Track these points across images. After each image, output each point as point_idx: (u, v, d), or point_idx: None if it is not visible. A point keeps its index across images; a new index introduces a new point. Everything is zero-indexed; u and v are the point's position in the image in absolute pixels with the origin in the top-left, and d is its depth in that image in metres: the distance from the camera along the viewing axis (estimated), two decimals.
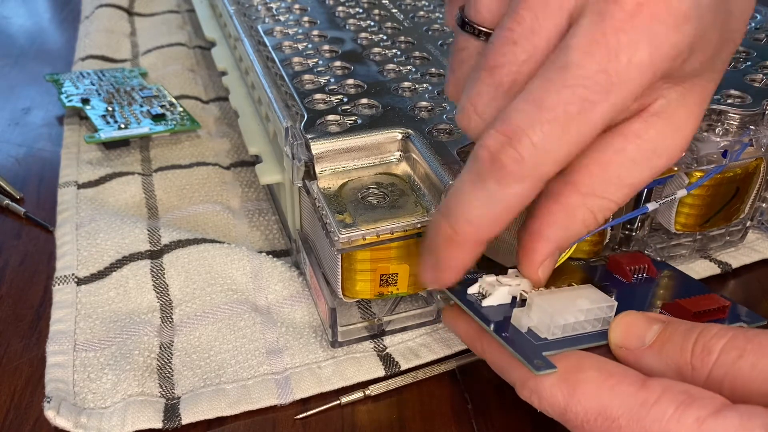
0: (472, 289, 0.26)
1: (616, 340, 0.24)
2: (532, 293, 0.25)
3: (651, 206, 0.29)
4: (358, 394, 0.28)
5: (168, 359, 0.30)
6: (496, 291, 0.25)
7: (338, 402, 0.28)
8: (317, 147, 0.29)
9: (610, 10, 0.19)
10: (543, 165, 0.20)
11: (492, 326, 0.24)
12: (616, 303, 0.25)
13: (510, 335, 0.24)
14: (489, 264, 0.33)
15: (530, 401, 0.23)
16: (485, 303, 0.25)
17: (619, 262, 0.29)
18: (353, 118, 0.31)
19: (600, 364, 0.22)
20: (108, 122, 0.44)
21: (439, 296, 0.31)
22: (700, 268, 0.34)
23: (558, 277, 0.27)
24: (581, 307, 0.24)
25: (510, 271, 0.26)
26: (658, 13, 0.19)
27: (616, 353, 0.24)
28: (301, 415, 0.28)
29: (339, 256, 0.27)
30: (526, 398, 0.23)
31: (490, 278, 0.26)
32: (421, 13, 0.43)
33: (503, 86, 0.21)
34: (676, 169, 0.29)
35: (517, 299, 0.26)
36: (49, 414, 0.27)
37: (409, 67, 0.36)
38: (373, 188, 0.28)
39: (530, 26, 0.20)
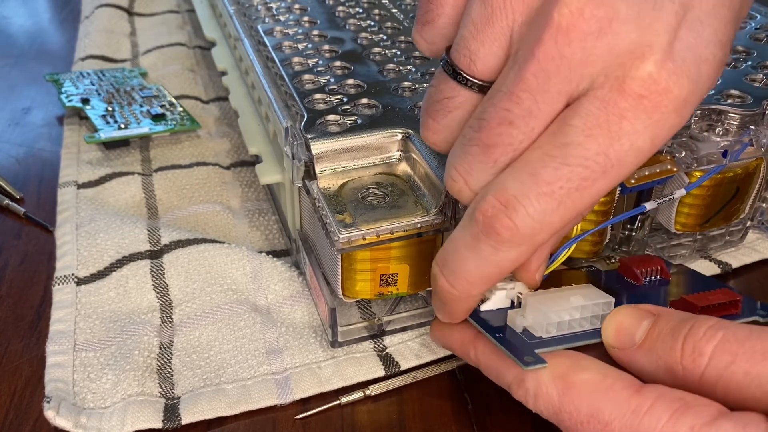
0: (488, 305, 0.26)
1: (608, 341, 0.24)
2: (527, 294, 0.25)
3: (649, 205, 0.29)
4: (358, 394, 0.28)
5: (168, 359, 0.30)
6: (494, 295, 0.26)
7: (338, 402, 0.28)
8: (317, 147, 0.29)
9: (614, 99, 0.19)
10: (537, 234, 0.21)
11: (486, 329, 0.24)
12: (613, 299, 0.25)
13: (505, 336, 0.24)
14: None
15: (525, 402, 0.23)
16: (483, 308, 0.26)
17: (628, 265, 0.28)
18: (353, 118, 0.31)
19: (596, 365, 0.22)
20: (108, 122, 0.44)
21: None
22: (700, 268, 0.34)
23: (562, 283, 0.26)
24: (576, 304, 0.24)
25: (506, 283, 0.26)
26: (660, 102, 0.19)
27: (610, 353, 0.24)
28: (301, 415, 0.28)
29: (339, 256, 0.27)
30: (521, 398, 0.23)
31: None
32: None
33: (498, 165, 0.21)
34: (675, 169, 0.29)
35: (514, 302, 0.26)
36: (49, 414, 0.27)
37: (409, 67, 0.36)
38: (373, 188, 0.28)
39: (528, 108, 0.20)
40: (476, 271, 0.22)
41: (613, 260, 0.31)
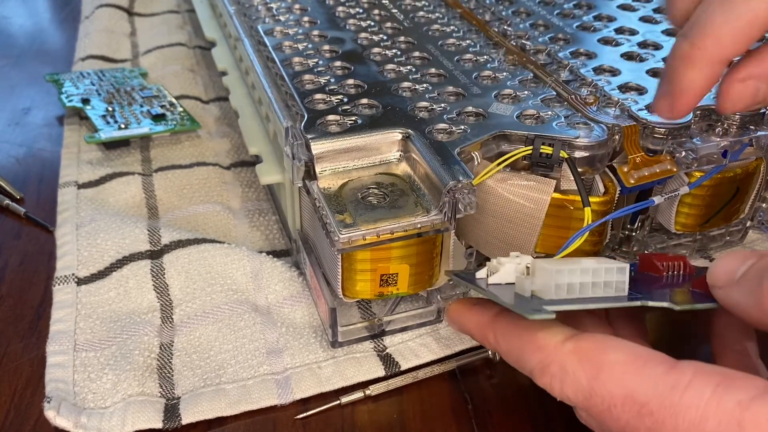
0: (480, 274, 0.25)
1: (710, 281, 0.23)
2: (536, 260, 0.24)
3: (657, 199, 0.29)
4: (358, 394, 0.28)
5: (168, 359, 0.30)
6: (502, 267, 0.25)
7: (338, 402, 0.28)
8: (317, 147, 0.29)
9: None
10: None
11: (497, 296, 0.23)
12: (627, 265, 0.23)
13: (514, 302, 0.23)
14: (486, 259, 0.33)
15: (550, 388, 0.22)
16: (491, 280, 0.25)
17: (649, 258, 0.27)
18: (353, 118, 0.31)
19: (625, 345, 0.21)
20: (108, 122, 0.44)
21: (440, 296, 0.31)
22: None
23: None
24: (587, 267, 0.23)
25: (511, 253, 0.25)
26: None
27: (713, 293, 0.23)
28: (301, 415, 0.28)
29: (339, 256, 0.27)
30: (546, 385, 0.22)
31: (494, 261, 0.25)
32: (421, 13, 0.43)
33: None
34: (675, 169, 0.29)
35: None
36: (49, 414, 0.27)
37: (409, 67, 0.36)
38: (373, 188, 0.28)
39: None
40: (723, 25, 0.21)
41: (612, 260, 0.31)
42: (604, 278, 0.23)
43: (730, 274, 0.22)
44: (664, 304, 0.23)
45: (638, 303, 0.23)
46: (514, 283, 0.25)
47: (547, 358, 0.22)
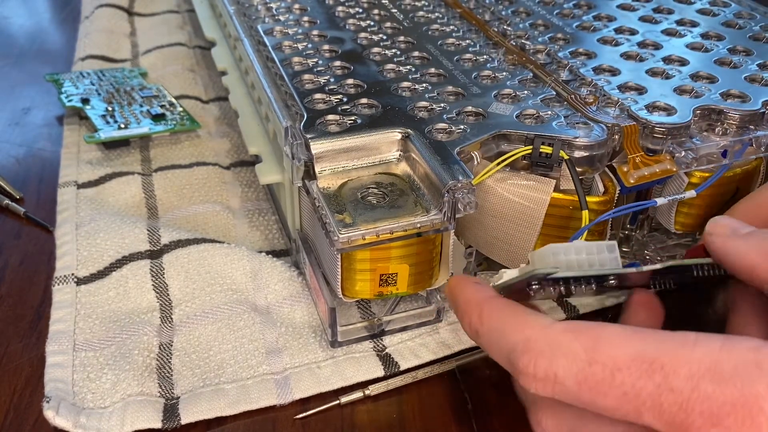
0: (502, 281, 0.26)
1: (708, 230, 0.23)
2: (532, 252, 0.25)
3: (660, 201, 0.29)
4: (357, 394, 0.28)
5: (167, 359, 0.30)
6: (505, 274, 0.25)
7: (338, 402, 0.28)
8: (317, 147, 0.29)
9: None
10: None
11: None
12: (615, 242, 0.25)
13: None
14: (491, 262, 0.33)
15: (532, 367, 0.20)
16: (498, 283, 0.25)
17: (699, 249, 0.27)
18: (353, 118, 0.31)
19: (619, 325, 0.21)
20: (108, 122, 0.44)
21: (439, 296, 0.31)
22: None
23: None
24: (578, 245, 0.24)
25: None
26: None
27: (706, 242, 0.23)
28: (300, 415, 0.28)
29: (339, 256, 0.27)
30: (526, 365, 0.21)
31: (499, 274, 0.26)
32: (421, 13, 0.43)
33: None
34: (675, 169, 0.29)
35: None
36: (49, 414, 0.27)
37: (408, 67, 0.36)
38: (372, 188, 0.28)
39: None
40: None
41: None
42: (597, 255, 0.24)
43: (734, 226, 0.23)
44: (657, 266, 0.24)
45: (633, 269, 0.24)
46: (518, 276, 0.25)
47: (534, 335, 0.21)
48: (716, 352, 0.18)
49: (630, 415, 0.19)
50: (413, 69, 0.36)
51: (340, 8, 0.44)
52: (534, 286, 0.24)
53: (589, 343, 0.20)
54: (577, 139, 0.29)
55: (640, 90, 0.33)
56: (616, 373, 0.19)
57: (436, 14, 0.43)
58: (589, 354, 0.20)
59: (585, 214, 0.28)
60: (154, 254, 0.34)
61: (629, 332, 0.20)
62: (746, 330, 0.25)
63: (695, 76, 0.35)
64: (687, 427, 0.18)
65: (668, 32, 0.40)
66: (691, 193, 0.30)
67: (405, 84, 0.34)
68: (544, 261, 0.24)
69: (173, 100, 0.47)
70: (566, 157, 0.29)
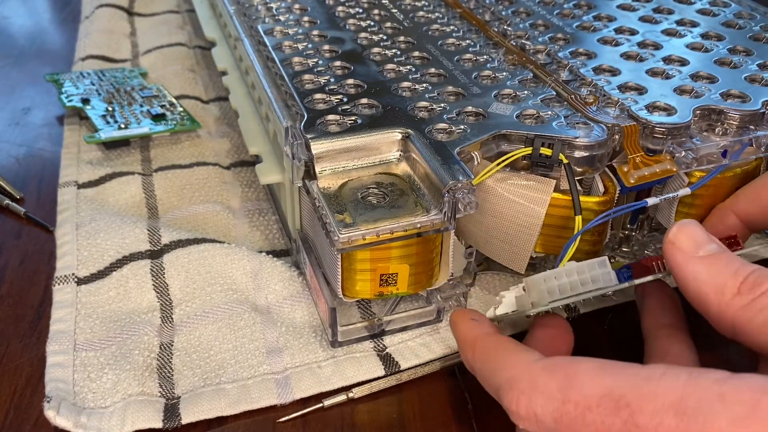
0: (489, 313, 0.28)
1: (671, 237, 0.23)
2: (528, 277, 0.26)
3: (651, 201, 0.29)
4: (341, 397, 0.28)
5: (168, 359, 0.30)
6: (504, 299, 0.27)
7: (321, 405, 0.28)
8: (317, 147, 0.29)
9: None
10: None
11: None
12: (606, 257, 0.25)
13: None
14: (491, 262, 0.33)
15: (516, 405, 0.21)
16: (498, 312, 0.27)
17: (640, 263, 0.27)
18: (353, 118, 0.31)
19: (592, 359, 0.21)
20: (108, 122, 0.44)
21: (440, 296, 0.31)
22: None
23: None
24: (570, 267, 0.25)
25: (511, 287, 0.27)
26: None
27: (665, 249, 0.23)
28: (283, 419, 0.28)
29: (339, 256, 0.27)
30: (511, 402, 0.21)
31: (498, 297, 0.28)
32: (421, 13, 0.43)
33: None
34: (675, 169, 0.29)
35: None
36: (49, 414, 0.27)
37: (409, 67, 0.36)
38: (372, 188, 0.28)
39: None
40: None
41: (612, 260, 0.31)
42: (589, 273, 0.25)
43: (696, 244, 0.23)
44: (649, 278, 0.24)
45: (626, 284, 0.25)
46: (516, 310, 0.27)
47: (517, 374, 0.22)
48: (681, 387, 0.18)
49: None
50: (413, 69, 0.36)
51: (340, 8, 0.44)
52: (531, 315, 0.26)
53: (563, 382, 0.20)
54: (577, 140, 0.29)
55: (640, 90, 0.33)
56: (586, 412, 0.20)
57: (437, 14, 0.43)
58: (563, 392, 0.20)
59: (578, 219, 0.28)
60: (155, 254, 0.35)
61: (601, 368, 0.20)
62: (658, 334, 0.27)
63: (695, 76, 0.35)
64: None
65: (668, 32, 0.40)
66: (686, 191, 0.30)
67: (405, 84, 0.34)
68: (537, 288, 0.25)
69: (173, 100, 0.47)
70: (565, 161, 0.29)
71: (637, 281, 0.25)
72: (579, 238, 0.27)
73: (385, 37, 0.40)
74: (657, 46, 0.38)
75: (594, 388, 0.20)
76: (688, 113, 0.31)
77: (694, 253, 0.23)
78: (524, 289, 0.27)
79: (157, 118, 0.45)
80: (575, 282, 0.25)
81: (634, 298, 0.31)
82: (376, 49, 0.38)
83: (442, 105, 0.32)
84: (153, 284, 0.33)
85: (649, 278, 0.25)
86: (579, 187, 0.30)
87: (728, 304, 0.21)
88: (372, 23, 0.42)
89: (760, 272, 0.22)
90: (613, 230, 0.33)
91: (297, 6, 0.44)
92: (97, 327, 0.31)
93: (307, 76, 0.35)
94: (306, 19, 0.42)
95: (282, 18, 0.42)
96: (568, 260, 0.27)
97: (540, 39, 0.39)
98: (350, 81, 0.34)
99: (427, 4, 0.45)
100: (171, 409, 0.27)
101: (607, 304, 0.33)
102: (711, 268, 0.22)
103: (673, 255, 0.23)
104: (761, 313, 0.21)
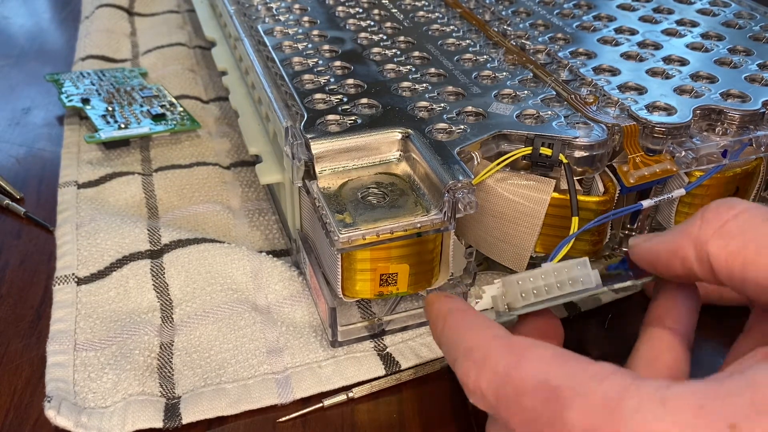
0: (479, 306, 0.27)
1: (629, 244, 0.24)
2: (505, 277, 0.25)
3: (646, 203, 0.29)
4: (341, 397, 0.28)
5: (168, 359, 0.30)
6: (484, 294, 0.26)
7: (321, 405, 0.28)
8: (317, 147, 0.29)
9: None
10: None
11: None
12: (586, 258, 0.24)
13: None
14: (491, 262, 0.33)
15: (466, 377, 0.21)
16: (477, 308, 0.26)
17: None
18: (353, 118, 0.31)
19: (555, 347, 0.20)
20: (108, 122, 0.44)
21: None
22: None
23: None
24: (547, 269, 0.24)
25: (495, 280, 0.26)
26: None
27: (631, 253, 0.24)
28: (283, 418, 0.28)
29: (339, 256, 0.27)
30: (463, 374, 0.21)
31: (477, 290, 0.27)
32: (421, 13, 0.43)
33: None
34: (675, 169, 0.29)
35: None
36: (50, 413, 0.27)
37: (409, 67, 0.36)
38: (372, 188, 0.28)
39: None
40: None
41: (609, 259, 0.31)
42: (568, 275, 0.24)
43: (648, 235, 0.24)
44: (627, 284, 0.24)
45: (604, 288, 0.24)
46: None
47: (476, 346, 0.21)
48: (623, 388, 0.18)
49: None
50: (413, 69, 0.36)
51: (340, 8, 0.44)
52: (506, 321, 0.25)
53: (513, 361, 0.20)
54: (577, 139, 0.29)
55: (640, 90, 0.33)
56: (521, 396, 0.19)
57: (437, 14, 0.43)
58: (508, 371, 0.20)
59: (575, 220, 0.28)
60: (155, 254, 0.35)
61: (553, 356, 0.20)
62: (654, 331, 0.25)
63: (695, 76, 0.35)
64: None
65: (668, 32, 0.40)
66: (680, 191, 0.30)
67: (405, 84, 0.34)
68: (512, 290, 0.24)
69: (173, 100, 0.47)
70: (565, 161, 0.29)
71: (617, 286, 0.24)
72: (574, 239, 0.27)
73: (385, 37, 0.40)
74: (657, 46, 0.38)
75: (535, 375, 0.19)
76: (688, 113, 0.31)
77: (651, 235, 0.23)
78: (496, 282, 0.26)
79: (157, 118, 0.45)
80: (552, 285, 0.24)
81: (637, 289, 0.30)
82: (376, 49, 0.38)
83: (442, 105, 0.32)
84: (153, 284, 0.33)
85: (628, 283, 0.24)
86: (579, 187, 0.30)
87: (698, 236, 0.21)
88: (372, 23, 0.42)
89: (721, 201, 0.21)
90: (613, 230, 0.33)
91: (297, 6, 0.44)
92: (98, 327, 0.31)
93: (307, 76, 0.35)
94: (306, 19, 0.42)
95: (282, 18, 0.42)
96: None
97: (540, 39, 0.39)
98: (350, 81, 0.34)
99: (427, 4, 0.45)
100: (171, 409, 0.27)
101: (602, 302, 0.33)
102: (672, 229, 0.22)
103: (637, 249, 0.23)
104: (733, 240, 0.20)
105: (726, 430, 0.16)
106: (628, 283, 0.24)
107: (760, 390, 0.17)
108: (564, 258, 0.26)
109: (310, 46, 0.38)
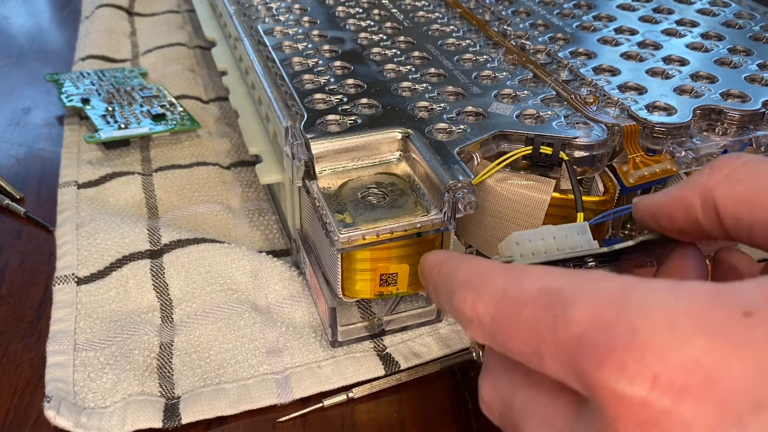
0: None
1: (633, 202, 0.23)
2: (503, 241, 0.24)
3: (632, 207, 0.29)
4: (341, 397, 0.28)
5: (168, 359, 0.30)
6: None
7: (321, 405, 0.28)
8: (317, 147, 0.29)
9: None
10: None
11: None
12: (587, 223, 0.24)
13: None
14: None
15: (463, 304, 0.19)
16: None
17: None
18: (353, 118, 0.31)
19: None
20: (108, 122, 0.44)
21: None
22: None
23: None
24: (545, 230, 0.23)
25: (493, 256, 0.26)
26: None
27: (635, 212, 0.23)
28: (283, 418, 0.28)
29: (339, 256, 0.27)
30: (459, 303, 0.19)
31: None
32: (421, 13, 0.43)
33: None
34: (675, 169, 0.29)
35: None
36: (49, 413, 0.27)
37: (409, 67, 0.36)
38: (372, 188, 0.28)
39: None
40: None
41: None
42: (567, 239, 0.23)
43: (652, 194, 0.23)
44: (630, 243, 0.23)
45: (605, 249, 0.23)
46: None
47: (473, 274, 0.20)
48: (626, 285, 0.16)
49: (533, 359, 0.17)
50: (413, 69, 0.36)
51: (340, 8, 0.44)
52: None
53: (512, 277, 0.19)
54: (577, 139, 0.29)
55: (640, 90, 0.33)
56: (522, 308, 0.18)
57: (436, 14, 0.43)
58: (506, 287, 0.18)
59: (580, 216, 0.28)
60: (155, 254, 0.35)
61: (548, 269, 0.18)
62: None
63: (695, 76, 0.35)
64: (583, 364, 0.16)
65: (668, 32, 0.40)
66: None
67: (405, 84, 0.34)
68: (510, 249, 0.23)
69: (173, 100, 0.47)
70: (566, 158, 0.29)
71: (617, 246, 0.23)
72: None
73: (385, 37, 0.40)
74: (657, 46, 0.38)
75: (534, 284, 0.18)
76: (688, 113, 0.31)
77: (650, 196, 0.22)
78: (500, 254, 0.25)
79: (157, 118, 0.45)
80: (550, 245, 0.23)
81: None
82: (376, 49, 0.38)
83: (442, 105, 0.32)
84: (153, 284, 0.33)
85: (630, 243, 0.23)
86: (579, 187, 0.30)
87: (705, 183, 0.20)
88: (372, 23, 0.42)
89: (726, 155, 0.21)
90: (613, 230, 0.33)
91: (297, 6, 0.44)
92: (97, 327, 0.31)
93: (307, 76, 0.35)
94: (306, 19, 0.42)
95: (282, 18, 0.42)
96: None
97: (540, 39, 0.39)
98: (350, 81, 0.34)
99: (427, 4, 0.45)
100: (171, 409, 0.27)
101: None
102: (677, 183, 0.21)
103: (642, 204, 0.22)
104: (740, 185, 0.19)
105: (740, 316, 0.15)
106: (630, 243, 0.23)
107: None
108: None
109: (310, 46, 0.38)
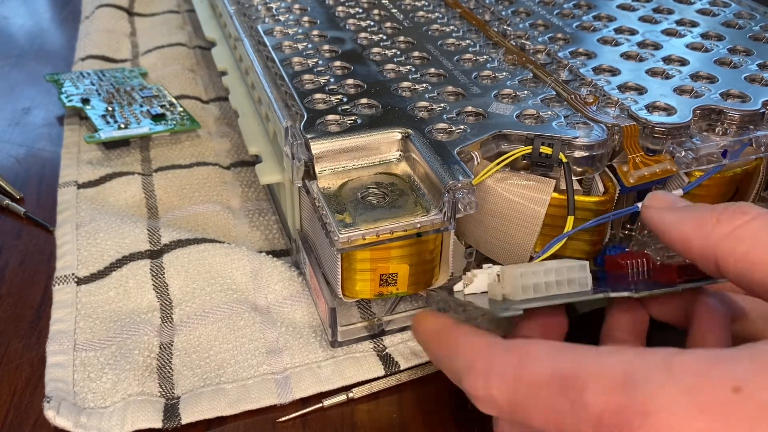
0: (458, 287, 0.26)
1: (646, 203, 0.24)
2: (504, 267, 0.25)
3: (641, 205, 0.29)
4: (341, 397, 0.28)
5: (168, 359, 0.30)
6: (476, 279, 0.25)
7: (321, 405, 0.28)
8: (317, 147, 0.29)
9: None
10: None
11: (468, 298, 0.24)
12: (587, 262, 0.24)
13: (488, 306, 0.24)
14: (491, 262, 0.33)
15: (474, 388, 0.21)
16: (468, 290, 0.25)
17: (613, 258, 0.28)
18: (353, 118, 0.31)
19: (548, 342, 0.21)
20: (108, 122, 0.44)
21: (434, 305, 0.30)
22: None
23: None
24: (549, 267, 0.24)
25: (484, 265, 0.26)
26: None
27: (643, 214, 0.24)
28: (283, 418, 0.28)
29: (339, 256, 0.27)
30: (471, 386, 0.21)
31: (468, 274, 0.26)
32: (421, 13, 0.43)
33: None
34: (675, 169, 0.29)
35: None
36: (49, 414, 0.27)
37: (409, 67, 0.36)
38: (372, 188, 0.28)
39: None
40: None
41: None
42: (567, 276, 0.24)
43: (671, 200, 0.24)
44: (624, 294, 0.24)
45: (601, 295, 0.24)
46: (487, 292, 0.25)
47: (475, 356, 0.21)
48: (629, 359, 0.18)
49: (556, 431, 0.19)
50: (413, 69, 0.36)
51: (340, 8, 0.44)
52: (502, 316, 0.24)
53: (515, 361, 0.20)
54: (577, 139, 0.29)
55: (640, 90, 0.33)
56: (537, 392, 0.19)
57: (436, 14, 0.43)
58: (516, 372, 0.20)
59: (570, 219, 0.28)
60: (155, 254, 0.35)
61: (554, 349, 0.20)
62: (705, 342, 0.25)
63: (695, 76, 0.35)
64: None
65: (668, 32, 0.40)
66: (678, 192, 0.30)
67: (405, 84, 0.34)
68: (513, 282, 0.24)
69: (173, 100, 0.47)
70: (565, 160, 0.29)
71: (612, 295, 0.24)
72: (567, 238, 0.27)
73: (385, 37, 0.40)
74: (657, 46, 0.38)
75: (544, 369, 0.19)
76: (688, 113, 0.31)
77: (668, 207, 0.23)
78: (498, 277, 0.25)
79: (157, 118, 0.45)
80: (551, 283, 0.24)
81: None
82: (376, 49, 0.38)
83: (442, 105, 0.32)
84: (153, 284, 0.33)
85: (625, 294, 0.24)
86: (578, 187, 0.30)
87: (709, 235, 0.21)
88: (372, 23, 0.42)
89: (738, 205, 0.21)
90: (613, 230, 0.33)
91: (297, 6, 0.44)
92: (97, 327, 0.31)
93: (307, 76, 0.35)
94: (306, 19, 0.42)
95: (282, 18, 0.42)
96: (549, 256, 0.27)
97: (540, 39, 0.39)
98: (350, 81, 0.34)
99: (427, 4, 0.45)
100: (171, 409, 0.27)
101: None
102: (690, 211, 0.22)
103: (650, 215, 0.23)
104: (742, 243, 0.20)
105: (730, 393, 0.16)
106: (625, 294, 0.24)
107: (764, 355, 0.17)
108: (561, 257, 0.26)
109: (310, 46, 0.38)
